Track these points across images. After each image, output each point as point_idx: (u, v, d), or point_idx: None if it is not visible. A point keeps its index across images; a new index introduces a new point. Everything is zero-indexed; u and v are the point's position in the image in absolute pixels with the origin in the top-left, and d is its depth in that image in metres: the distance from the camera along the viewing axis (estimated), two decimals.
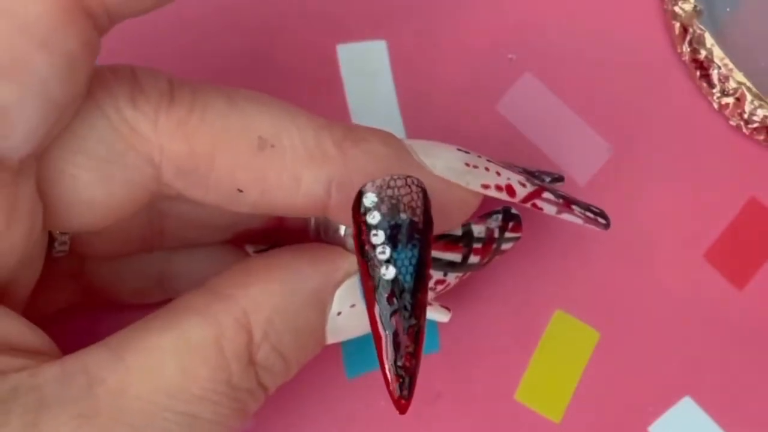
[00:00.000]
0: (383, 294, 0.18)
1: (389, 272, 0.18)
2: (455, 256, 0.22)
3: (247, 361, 0.19)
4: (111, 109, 0.19)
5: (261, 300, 0.20)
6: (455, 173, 0.21)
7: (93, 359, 0.18)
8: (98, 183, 0.19)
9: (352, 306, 0.20)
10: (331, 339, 0.21)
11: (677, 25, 0.28)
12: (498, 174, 0.21)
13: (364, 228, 0.18)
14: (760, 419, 0.27)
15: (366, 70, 0.28)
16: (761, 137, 0.28)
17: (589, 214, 0.22)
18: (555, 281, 0.27)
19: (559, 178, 0.25)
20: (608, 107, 0.28)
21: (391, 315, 0.18)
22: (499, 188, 0.21)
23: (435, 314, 0.23)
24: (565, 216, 0.22)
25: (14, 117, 0.17)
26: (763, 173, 0.28)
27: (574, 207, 0.22)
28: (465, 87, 0.28)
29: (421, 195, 0.19)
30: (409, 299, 0.18)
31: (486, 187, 0.21)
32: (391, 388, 0.18)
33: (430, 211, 0.19)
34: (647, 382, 0.27)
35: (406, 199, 0.18)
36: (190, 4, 0.27)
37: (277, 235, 0.24)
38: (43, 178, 0.19)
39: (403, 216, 0.18)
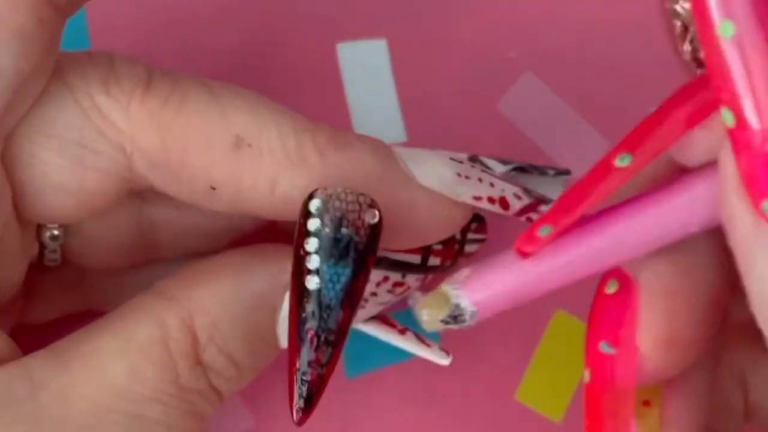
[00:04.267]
0: (305, 303, 0.18)
1: (312, 282, 0.18)
2: (414, 258, 0.21)
3: (194, 362, 0.19)
4: (82, 94, 0.18)
5: (205, 301, 0.19)
6: (445, 184, 0.20)
7: (37, 364, 0.18)
8: (68, 168, 0.19)
9: None
10: (285, 342, 0.20)
11: (678, 23, 0.28)
12: (492, 185, 0.21)
13: (302, 231, 0.18)
14: None
15: (366, 69, 0.28)
16: None
17: None
18: None
19: (565, 172, 0.24)
20: (609, 106, 0.28)
21: (309, 326, 0.18)
22: (491, 200, 0.21)
23: (433, 357, 0.22)
24: None
25: None
26: None
27: None
28: (465, 86, 0.28)
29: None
30: (330, 317, 0.18)
31: (478, 198, 0.20)
32: (292, 395, 0.18)
33: (377, 235, 0.18)
34: None
35: (351, 216, 0.18)
36: (189, 3, 0.27)
37: (271, 242, 0.24)
38: (12, 161, 0.19)
39: (344, 231, 0.18)
